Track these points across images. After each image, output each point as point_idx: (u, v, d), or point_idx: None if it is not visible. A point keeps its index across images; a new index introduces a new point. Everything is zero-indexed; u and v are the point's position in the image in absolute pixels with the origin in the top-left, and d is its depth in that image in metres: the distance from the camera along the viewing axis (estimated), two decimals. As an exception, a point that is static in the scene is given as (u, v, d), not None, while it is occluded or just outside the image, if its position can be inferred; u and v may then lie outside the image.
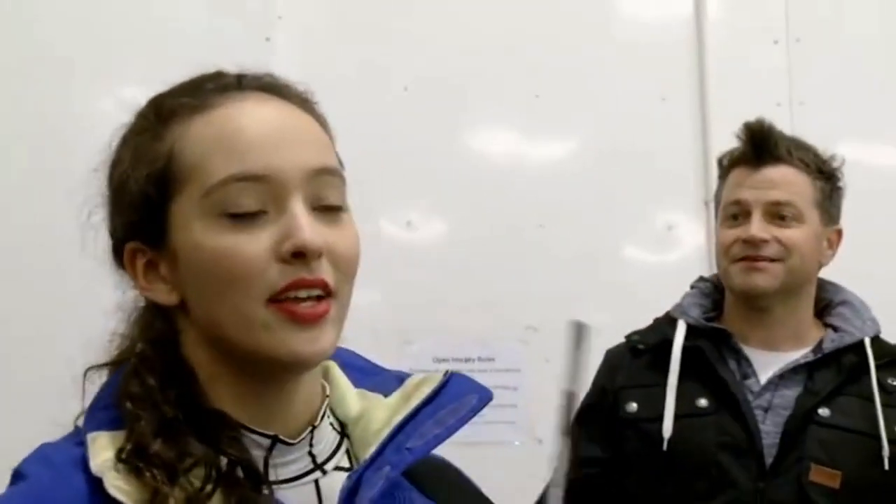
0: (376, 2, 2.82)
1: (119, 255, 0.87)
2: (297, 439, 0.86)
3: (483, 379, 0.92)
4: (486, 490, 1.01)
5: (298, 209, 0.81)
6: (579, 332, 1.14)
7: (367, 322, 2.37)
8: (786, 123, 2.21)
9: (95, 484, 0.77)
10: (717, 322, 1.85)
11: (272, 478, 0.84)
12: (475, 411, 0.89)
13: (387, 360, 0.99)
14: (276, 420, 0.85)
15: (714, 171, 1.94)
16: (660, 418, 1.75)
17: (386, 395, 0.92)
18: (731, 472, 1.71)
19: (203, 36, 2.65)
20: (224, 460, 0.80)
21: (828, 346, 1.77)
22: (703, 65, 2.81)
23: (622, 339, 1.91)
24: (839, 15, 2.87)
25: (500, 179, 2.76)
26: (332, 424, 0.91)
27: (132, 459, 0.78)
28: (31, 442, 0.83)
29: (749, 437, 1.72)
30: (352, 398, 0.93)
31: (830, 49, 2.84)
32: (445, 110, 2.75)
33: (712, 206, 2.03)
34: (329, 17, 2.81)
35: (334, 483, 0.86)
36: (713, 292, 1.90)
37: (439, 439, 0.87)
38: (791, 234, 1.76)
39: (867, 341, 1.77)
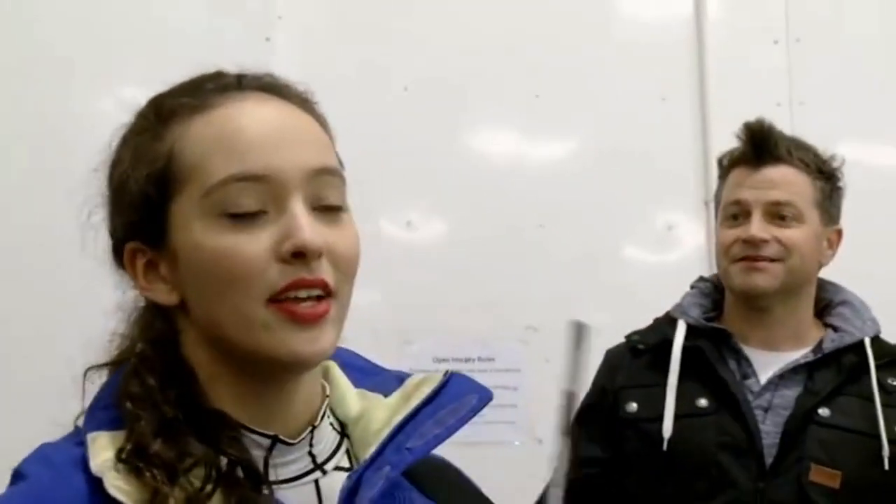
0: (376, 2, 2.82)
1: (119, 255, 0.87)
2: (297, 439, 0.86)
3: (483, 379, 0.92)
4: (486, 490, 1.01)
5: (298, 209, 0.81)
6: (579, 332, 1.14)
7: (367, 322, 2.37)
8: (786, 123, 2.21)
9: (95, 484, 0.77)
10: (717, 322, 1.85)
11: (272, 478, 0.84)
12: (475, 411, 0.89)
13: (387, 360, 0.99)
14: (276, 420, 0.85)
15: (714, 171, 1.94)
16: (660, 418, 1.75)
17: (386, 395, 0.92)
18: (731, 472, 1.71)
19: (203, 36, 2.65)
20: (224, 460, 0.80)
21: (828, 346, 1.77)
22: (703, 65, 2.81)
23: (622, 339, 1.91)
24: (839, 15, 2.87)
25: (500, 179, 2.76)
26: (332, 424, 0.91)
27: (132, 459, 0.78)
28: (31, 442, 0.83)
29: (749, 437, 1.72)
30: (352, 398, 0.93)
31: (830, 49, 2.84)
32: (445, 110, 2.75)
33: (712, 206, 2.03)
34: (329, 17, 2.81)
35: (334, 483, 0.86)
36: (713, 292, 1.90)
37: (439, 439, 0.87)
38: (791, 234, 1.76)
39: (867, 341, 1.77)
